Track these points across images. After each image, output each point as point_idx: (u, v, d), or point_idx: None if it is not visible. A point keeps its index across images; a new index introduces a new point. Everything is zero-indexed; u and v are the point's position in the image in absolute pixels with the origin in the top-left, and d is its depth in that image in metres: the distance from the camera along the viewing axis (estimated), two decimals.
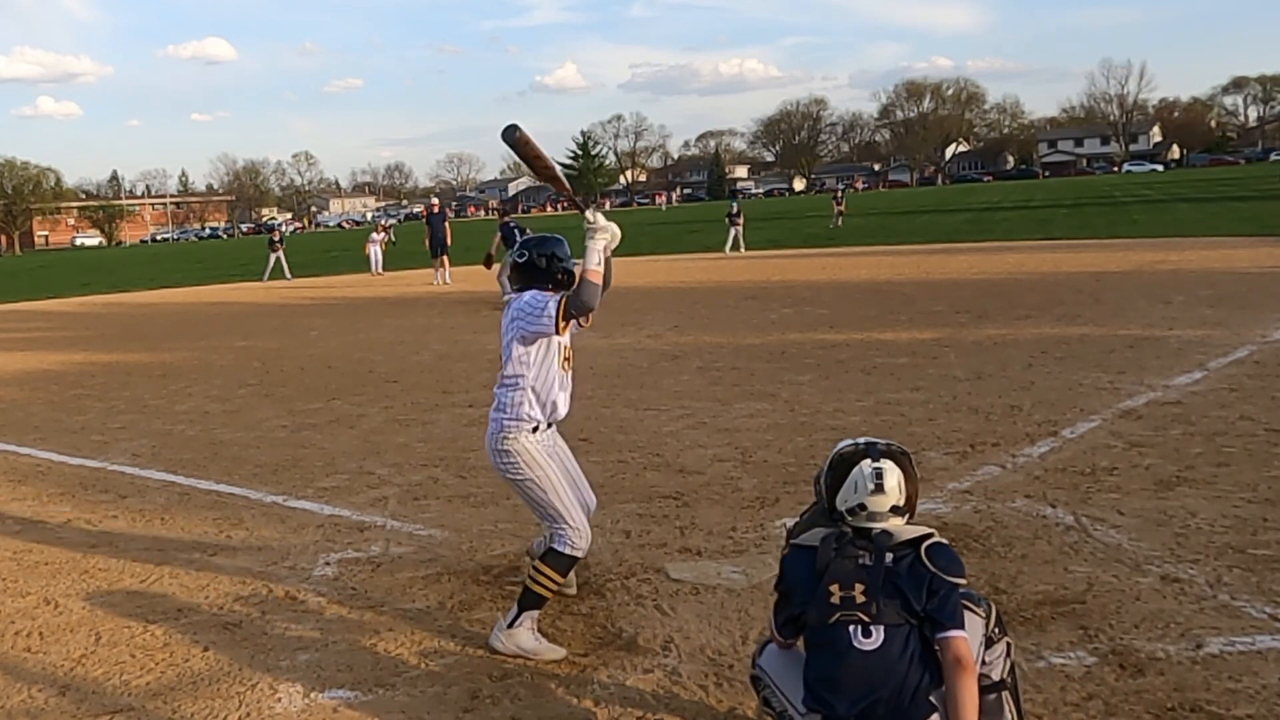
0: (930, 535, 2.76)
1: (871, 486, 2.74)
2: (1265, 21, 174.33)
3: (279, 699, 3.59)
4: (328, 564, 4.95)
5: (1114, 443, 6.23)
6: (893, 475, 2.76)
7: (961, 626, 2.67)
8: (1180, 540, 4.59)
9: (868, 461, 2.77)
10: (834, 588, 2.70)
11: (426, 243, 23.88)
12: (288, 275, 28.54)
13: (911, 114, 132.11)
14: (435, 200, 27.67)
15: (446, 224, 24.06)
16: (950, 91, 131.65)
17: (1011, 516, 5.04)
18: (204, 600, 4.57)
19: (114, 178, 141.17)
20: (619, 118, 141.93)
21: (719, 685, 3.51)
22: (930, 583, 2.67)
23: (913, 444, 6.40)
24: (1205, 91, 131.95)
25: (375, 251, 29.40)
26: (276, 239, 30.51)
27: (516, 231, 16.78)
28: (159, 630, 4.27)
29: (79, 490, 6.69)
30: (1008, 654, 2.87)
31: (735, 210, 29.64)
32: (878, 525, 2.76)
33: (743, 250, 28.16)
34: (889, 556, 2.71)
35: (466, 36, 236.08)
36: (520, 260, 4.02)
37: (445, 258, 23.61)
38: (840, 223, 36.19)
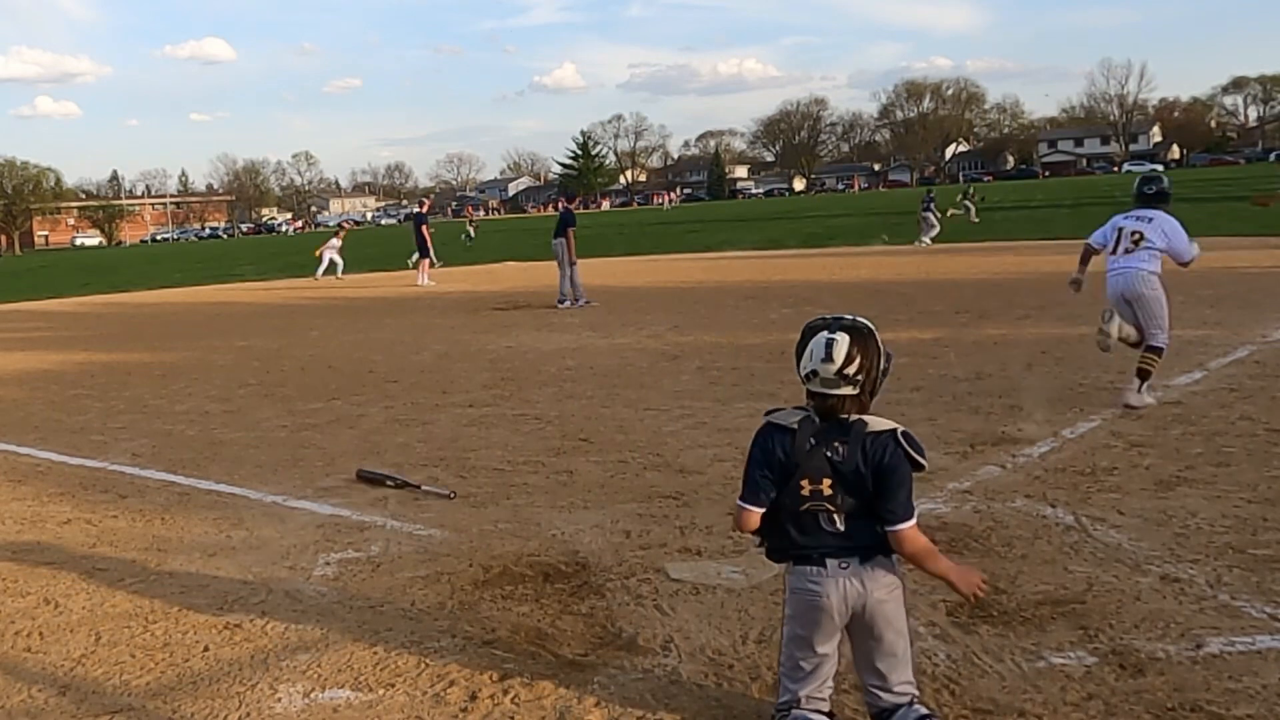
0: (899, 427, 2.96)
1: (823, 355, 2.91)
2: (1265, 21, 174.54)
3: (279, 699, 3.59)
4: (328, 564, 4.95)
5: (1114, 443, 6.23)
6: (842, 345, 2.91)
7: (910, 517, 2.94)
8: (1180, 540, 4.59)
9: (825, 332, 2.95)
10: (804, 482, 2.94)
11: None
12: (338, 274, 28.11)
13: (911, 114, 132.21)
14: (424, 201, 27.90)
15: (424, 227, 24.03)
16: (950, 91, 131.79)
17: (1011, 516, 5.04)
18: (204, 600, 4.57)
19: (114, 178, 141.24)
20: (619, 117, 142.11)
21: (719, 685, 3.51)
22: (895, 467, 2.90)
23: None
24: (1205, 91, 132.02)
25: (329, 256, 28.05)
26: (340, 233, 30.08)
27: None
28: (159, 630, 4.27)
29: (79, 490, 6.69)
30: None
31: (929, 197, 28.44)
32: (830, 391, 2.93)
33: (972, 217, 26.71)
34: (860, 449, 2.91)
35: (465, 36, 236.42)
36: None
37: (424, 260, 23.62)
38: (975, 217, 34.56)
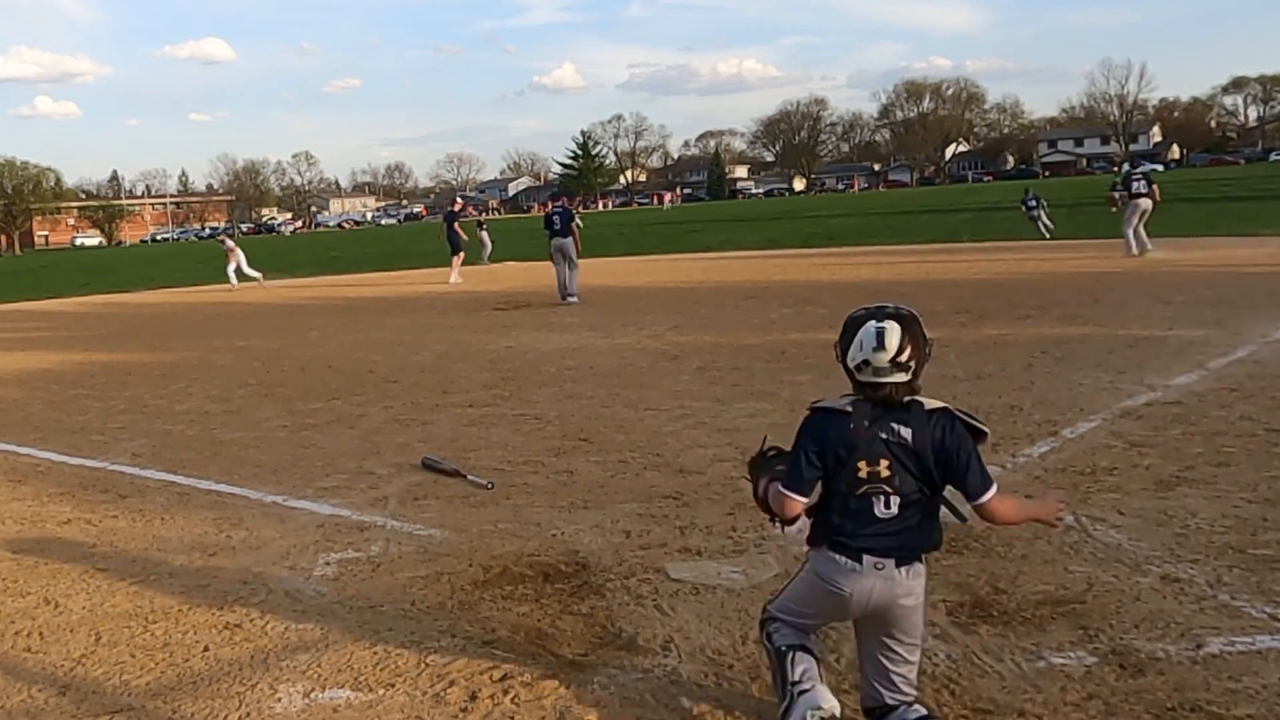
0: (948, 405, 3.04)
1: (875, 344, 2.94)
2: (1265, 21, 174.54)
3: (279, 699, 3.59)
4: (328, 564, 4.95)
5: (1114, 443, 6.23)
6: (894, 334, 2.95)
7: (991, 484, 2.99)
8: (1180, 540, 4.59)
9: (873, 322, 2.98)
10: (862, 464, 2.95)
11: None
12: (485, 260, 27.83)
13: (911, 114, 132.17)
14: (458, 201, 28.05)
15: (455, 224, 24.16)
16: (950, 91, 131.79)
17: None
18: (204, 600, 4.57)
19: (114, 177, 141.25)
20: (619, 117, 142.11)
21: (719, 685, 3.51)
22: (958, 443, 2.96)
23: None
24: (1205, 91, 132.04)
25: (234, 268, 27.15)
26: (481, 221, 29.82)
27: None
28: (159, 630, 4.27)
29: (79, 490, 6.69)
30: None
31: (1032, 197, 27.08)
32: (884, 380, 2.96)
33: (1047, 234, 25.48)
34: (915, 429, 2.96)
35: (465, 36, 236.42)
36: None
37: (456, 257, 23.70)
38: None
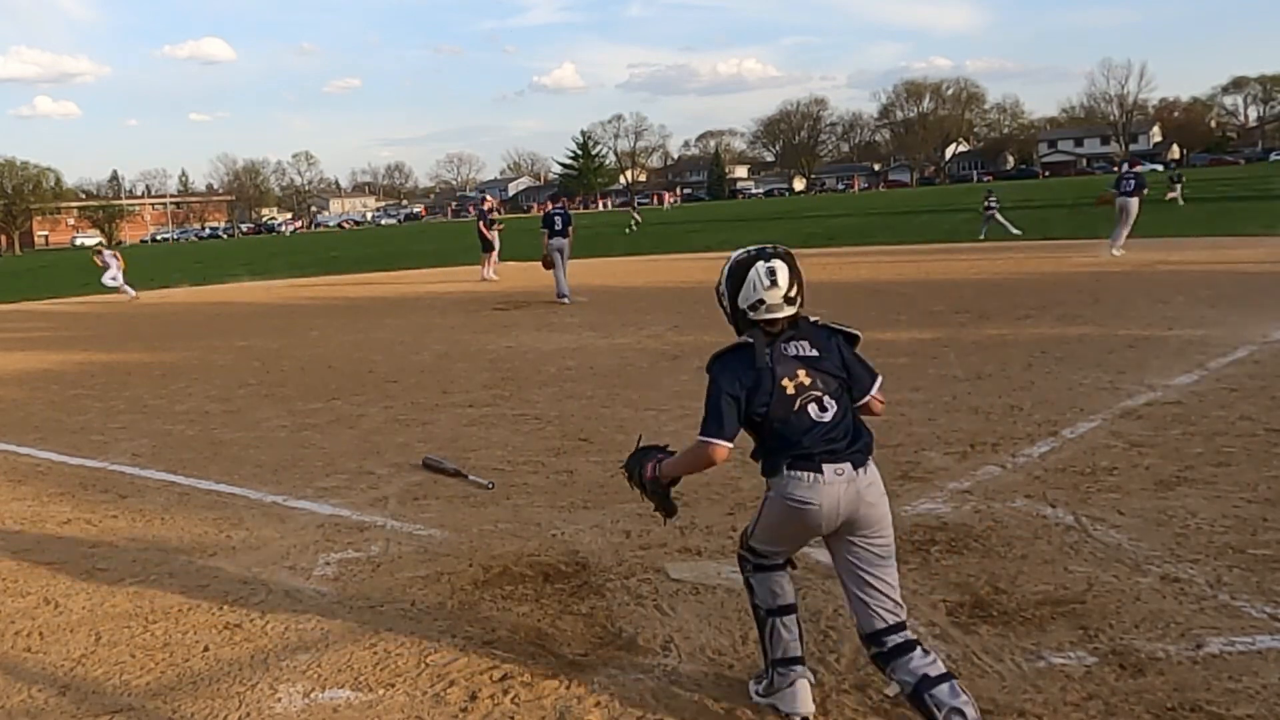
0: (816, 318, 3.27)
1: (767, 282, 3.14)
2: (1265, 21, 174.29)
3: (279, 699, 3.59)
4: (328, 564, 4.95)
5: (1114, 443, 6.23)
6: (784, 271, 3.16)
7: (876, 377, 3.27)
8: (1180, 540, 4.59)
9: (761, 263, 3.17)
10: (785, 382, 3.13)
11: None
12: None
13: (911, 114, 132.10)
14: (488, 199, 27.96)
15: (481, 223, 24.06)
16: (950, 91, 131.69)
17: (1011, 516, 5.04)
18: (204, 600, 4.57)
19: (114, 178, 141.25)
20: (619, 117, 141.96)
21: (719, 685, 3.51)
22: (842, 347, 3.22)
23: (913, 444, 6.41)
24: (1205, 91, 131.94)
25: (111, 280, 26.31)
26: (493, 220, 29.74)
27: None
28: (159, 630, 4.27)
29: (79, 490, 6.69)
30: None
31: (991, 198, 28.53)
32: (776, 315, 3.16)
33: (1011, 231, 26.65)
34: (808, 338, 3.19)
35: (464, 36, 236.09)
36: None
37: (487, 255, 23.58)
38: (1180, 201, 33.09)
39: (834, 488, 3.05)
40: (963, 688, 3.01)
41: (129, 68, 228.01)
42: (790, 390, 3.11)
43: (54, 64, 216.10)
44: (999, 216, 27.77)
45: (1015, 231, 26.77)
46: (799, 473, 3.09)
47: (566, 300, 16.81)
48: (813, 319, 3.25)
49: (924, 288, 16.07)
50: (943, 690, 2.94)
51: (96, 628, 4.34)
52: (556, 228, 17.49)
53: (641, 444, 3.55)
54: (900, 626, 3.08)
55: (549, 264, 17.44)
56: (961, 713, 2.91)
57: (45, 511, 6.23)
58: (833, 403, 3.13)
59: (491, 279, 22.74)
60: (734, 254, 3.27)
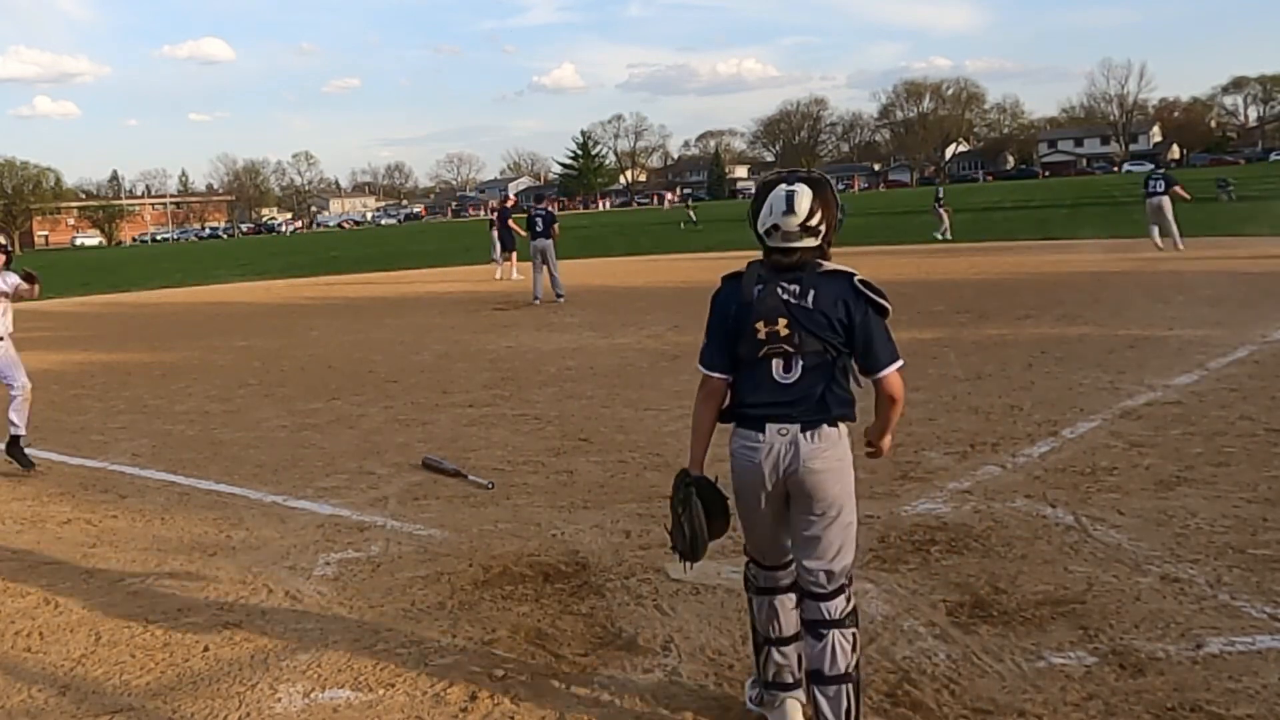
0: (856, 272, 2.95)
1: (784, 207, 2.90)
2: (1265, 21, 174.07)
3: (279, 699, 3.59)
4: (328, 564, 4.95)
5: (1114, 443, 6.23)
6: (804, 197, 2.91)
7: (896, 360, 2.94)
8: (1180, 540, 4.59)
9: (783, 185, 2.94)
10: (760, 325, 2.91)
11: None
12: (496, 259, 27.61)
13: (911, 114, 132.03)
14: (511, 197, 27.70)
15: (509, 220, 23.82)
16: (950, 91, 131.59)
17: (1011, 516, 5.04)
18: (204, 600, 4.57)
19: (114, 178, 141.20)
20: (619, 117, 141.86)
21: (719, 685, 3.51)
22: (863, 316, 2.90)
23: (913, 444, 6.41)
24: (1205, 91, 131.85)
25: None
26: (492, 221, 29.53)
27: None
28: (159, 630, 4.27)
29: (79, 490, 6.69)
30: None
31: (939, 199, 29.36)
32: (793, 244, 2.92)
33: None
34: (814, 289, 2.91)
35: (464, 36, 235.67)
36: None
37: (509, 255, 23.42)
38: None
39: (775, 447, 2.91)
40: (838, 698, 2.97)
41: (128, 68, 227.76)
42: (761, 335, 2.91)
43: (53, 64, 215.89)
44: (942, 213, 28.70)
45: (938, 236, 27.78)
46: (744, 429, 2.97)
47: (562, 298, 16.86)
48: (847, 272, 2.95)
49: (924, 288, 16.07)
50: (824, 691, 2.95)
51: (96, 628, 4.34)
52: (538, 229, 17.46)
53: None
54: (816, 595, 2.97)
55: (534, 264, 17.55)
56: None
57: (45, 511, 6.23)
58: (801, 365, 2.90)
59: (515, 278, 22.53)
60: (770, 174, 3.09)
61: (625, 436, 7.19)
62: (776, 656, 3.14)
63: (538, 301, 16.95)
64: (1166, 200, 19.57)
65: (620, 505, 5.59)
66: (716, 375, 3.03)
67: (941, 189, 32.99)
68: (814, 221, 2.91)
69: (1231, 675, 3.37)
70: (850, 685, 2.97)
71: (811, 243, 2.94)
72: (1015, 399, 7.56)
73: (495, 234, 26.96)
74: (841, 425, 2.97)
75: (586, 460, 6.62)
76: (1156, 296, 12.84)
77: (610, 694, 3.48)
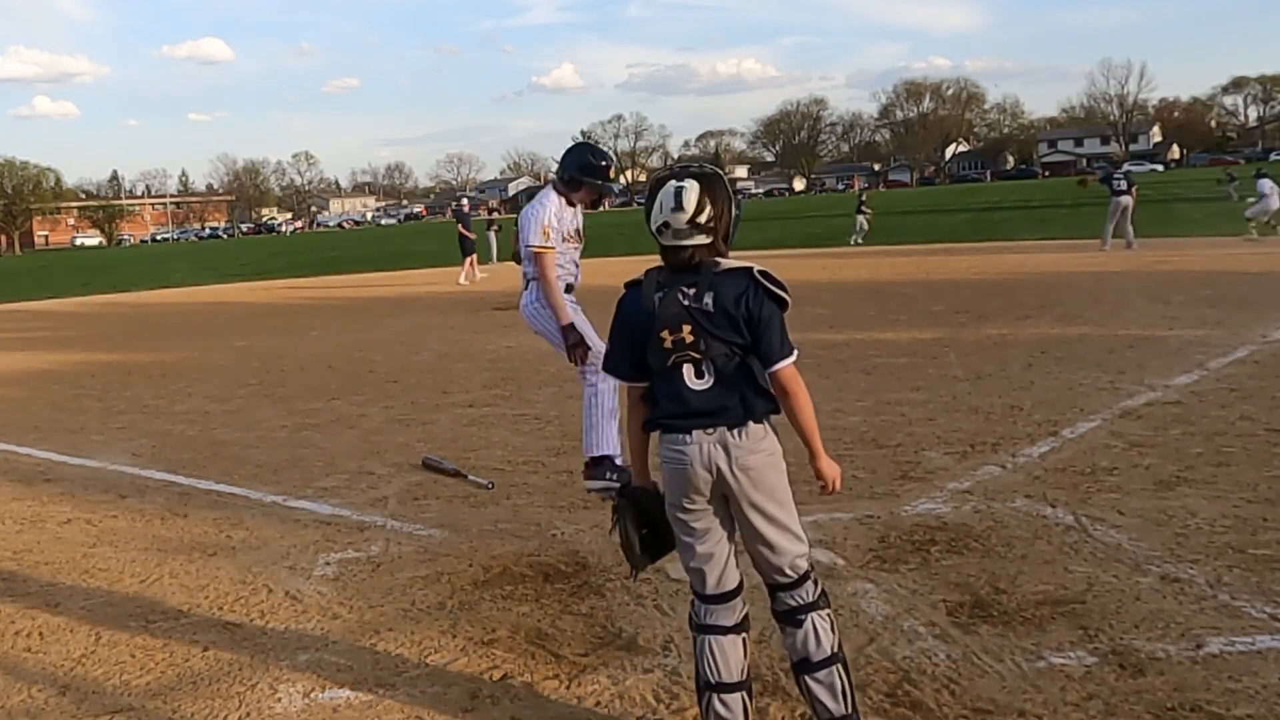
0: (754, 266, 2.86)
1: (673, 204, 2.84)
2: (1265, 21, 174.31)
3: (279, 699, 3.59)
4: (328, 564, 4.95)
5: (1114, 443, 6.23)
6: (692, 192, 2.84)
7: (789, 354, 2.87)
8: (1180, 540, 4.58)
9: (673, 181, 2.88)
10: (665, 333, 2.85)
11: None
12: (494, 259, 27.35)
13: (911, 114, 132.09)
14: (465, 202, 27.74)
15: (460, 225, 23.91)
16: (950, 91, 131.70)
17: (1011, 516, 5.04)
18: (204, 600, 4.57)
19: (114, 178, 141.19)
20: (619, 117, 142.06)
21: None
22: (760, 309, 2.82)
23: (913, 444, 6.41)
24: (1205, 91, 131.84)
25: None
26: (492, 221, 29.44)
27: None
28: (159, 630, 4.27)
29: (79, 490, 6.69)
30: None
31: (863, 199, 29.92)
32: (684, 243, 2.86)
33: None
34: (713, 290, 2.83)
35: (463, 36, 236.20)
36: None
37: (468, 259, 23.45)
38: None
39: (704, 447, 2.83)
40: (827, 681, 2.91)
41: (128, 68, 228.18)
42: (667, 344, 2.84)
43: (53, 64, 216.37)
44: (862, 218, 29.38)
45: (853, 240, 28.38)
46: (670, 435, 2.89)
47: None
48: (745, 267, 2.86)
49: (924, 288, 16.07)
50: (815, 677, 2.91)
51: (96, 628, 4.34)
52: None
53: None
54: (784, 587, 2.92)
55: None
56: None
57: (45, 511, 6.23)
58: (713, 370, 2.84)
59: (464, 284, 22.38)
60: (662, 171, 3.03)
61: (625, 436, 7.18)
62: (718, 706, 2.93)
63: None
64: (1131, 200, 20.13)
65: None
66: (629, 384, 3.01)
67: (865, 194, 33.74)
68: (703, 218, 2.83)
69: (1231, 675, 3.37)
70: (840, 665, 2.93)
71: (703, 240, 2.86)
72: (1015, 399, 7.56)
73: (491, 234, 26.92)
74: (765, 421, 2.90)
75: None
76: (1156, 296, 12.84)
77: (610, 694, 3.48)
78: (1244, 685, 3.30)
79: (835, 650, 2.93)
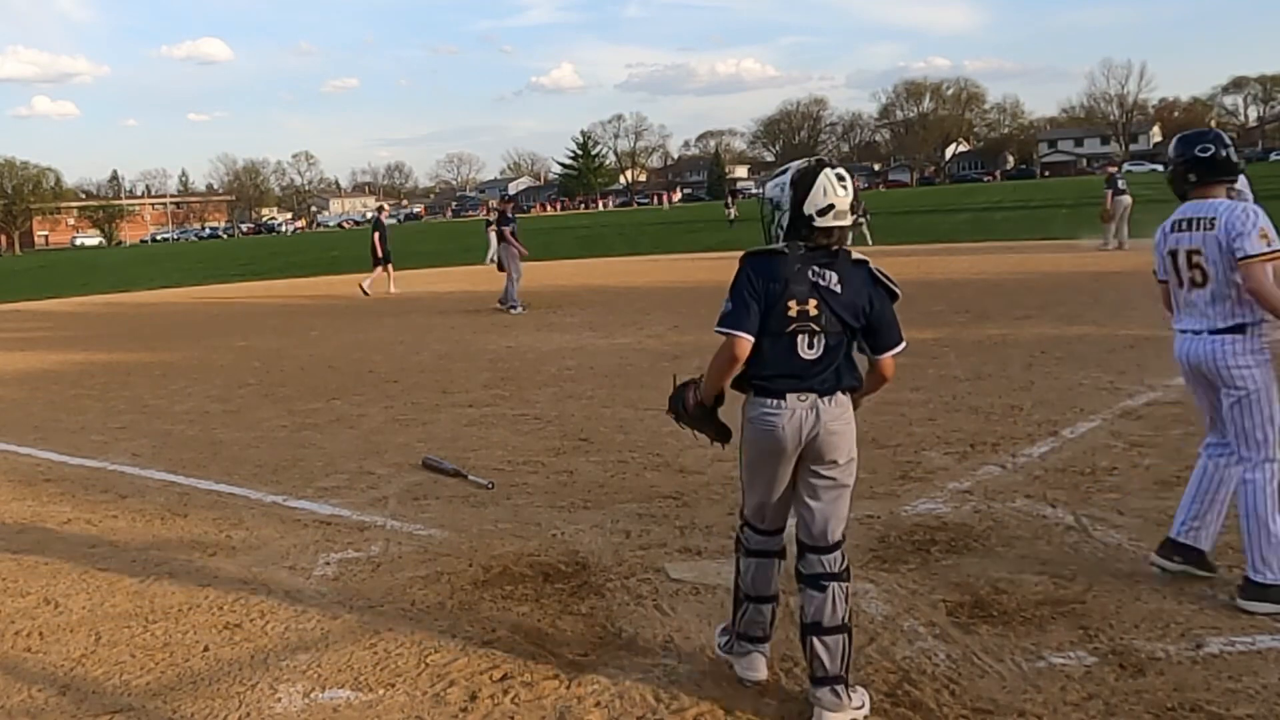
0: (870, 260, 3.27)
1: (839, 189, 3.17)
2: (1265, 21, 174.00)
3: (279, 699, 3.59)
4: (328, 564, 4.95)
5: (1114, 443, 6.23)
6: (848, 178, 3.22)
7: (902, 343, 3.29)
8: None
9: (828, 170, 3.20)
10: (792, 303, 3.16)
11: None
12: (492, 259, 25.78)
13: (911, 114, 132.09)
14: (385, 207, 25.80)
15: (376, 233, 22.24)
16: (950, 91, 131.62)
17: (1011, 516, 5.04)
18: (204, 600, 4.57)
19: (114, 178, 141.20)
20: (619, 117, 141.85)
21: (719, 685, 3.51)
22: (881, 301, 3.23)
23: (913, 444, 6.41)
24: (1205, 91, 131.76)
25: None
26: (491, 221, 29.01)
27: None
28: (159, 630, 4.27)
29: (79, 490, 6.69)
30: None
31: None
32: (843, 224, 3.19)
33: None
34: (843, 275, 3.18)
35: (462, 36, 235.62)
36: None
37: (381, 267, 22.16)
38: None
39: (796, 412, 3.16)
40: (832, 646, 3.19)
41: (127, 68, 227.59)
42: (792, 313, 3.14)
43: (52, 64, 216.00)
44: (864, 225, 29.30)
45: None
46: (764, 399, 3.20)
47: (516, 309, 16.21)
48: (864, 260, 3.24)
49: (924, 288, 16.07)
50: (823, 640, 3.19)
51: (96, 628, 4.34)
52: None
53: (678, 382, 3.58)
54: (820, 549, 3.23)
55: (500, 267, 17.00)
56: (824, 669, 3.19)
57: (45, 511, 6.23)
58: (823, 344, 3.16)
59: (367, 293, 21.28)
60: (793, 164, 3.28)
61: (625, 436, 7.19)
62: (753, 613, 3.42)
63: (515, 309, 16.18)
64: (1129, 200, 20.68)
65: (620, 505, 5.59)
66: (747, 337, 3.19)
67: (860, 197, 33.66)
68: (856, 200, 3.21)
69: (1231, 675, 3.37)
70: (847, 635, 3.23)
71: (852, 220, 3.21)
72: (1015, 399, 7.56)
73: (491, 234, 26.36)
74: (849, 393, 3.26)
75: (586, 460, 6.62)
76: (1157, 296, 12.81)
77: (610, 694, 3.48)
78: (1244, 685, 3.31)
79: (845, 621, 3.23)
